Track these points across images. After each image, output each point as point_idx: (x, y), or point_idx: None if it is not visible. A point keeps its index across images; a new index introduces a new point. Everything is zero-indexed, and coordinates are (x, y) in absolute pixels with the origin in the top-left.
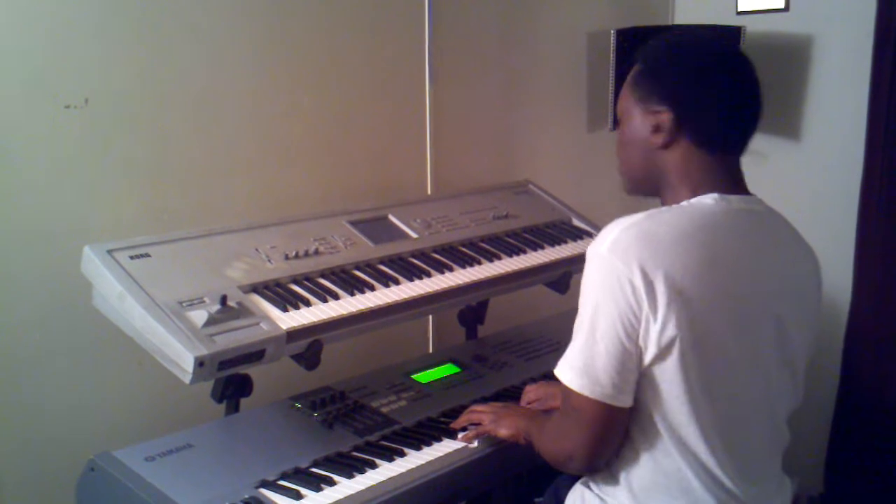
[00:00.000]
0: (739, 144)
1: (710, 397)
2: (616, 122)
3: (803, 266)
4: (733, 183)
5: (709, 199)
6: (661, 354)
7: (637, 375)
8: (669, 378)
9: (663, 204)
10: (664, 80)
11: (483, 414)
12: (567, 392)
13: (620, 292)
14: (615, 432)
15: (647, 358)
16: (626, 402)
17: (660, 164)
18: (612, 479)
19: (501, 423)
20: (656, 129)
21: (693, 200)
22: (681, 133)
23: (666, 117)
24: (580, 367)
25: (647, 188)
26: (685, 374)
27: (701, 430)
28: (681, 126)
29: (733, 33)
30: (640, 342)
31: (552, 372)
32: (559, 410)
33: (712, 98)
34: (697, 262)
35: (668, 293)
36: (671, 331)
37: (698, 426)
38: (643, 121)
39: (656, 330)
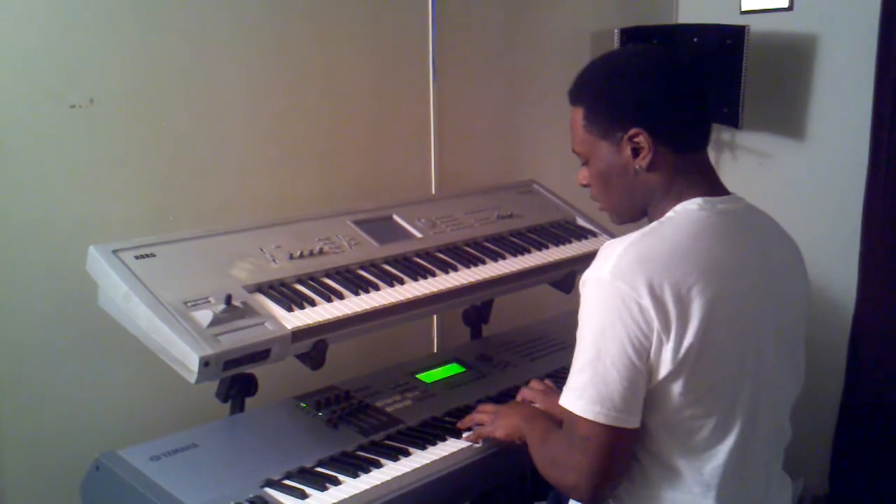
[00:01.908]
0: (707, 137)
1: (716, 403)
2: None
3: (788, 255)
4: (711, 182)
5: (693, 206)
6: (676, 370)
7: (644, 394)
8: (679, 391)
9: (651, 218)
10: (620, 105)
11: (485, 414)
12: (575, 421)
13: (628, 314)
14: (623, 458)
15: (660, 375)
16: (636, 423)
17: (648, 184)
18: (620, 491)
19: (498, 424)
20: (636, 152)
21: (678, 208)
22: (659, 145)
23: (641, 137)
24: (593, 395)
25: (637, 213)
26: (695, 383)
27: (706, 438)
28: (657, 137)
29: (737, 32)
30: (651, 361)
31: (555, 372)
32: (562, 438)
33: (671, 98)
34: (699, 272)
35: (678, 308)
36: (685, 344)
37: (703, 433)
38: (618, 152)
39: (670, 348)
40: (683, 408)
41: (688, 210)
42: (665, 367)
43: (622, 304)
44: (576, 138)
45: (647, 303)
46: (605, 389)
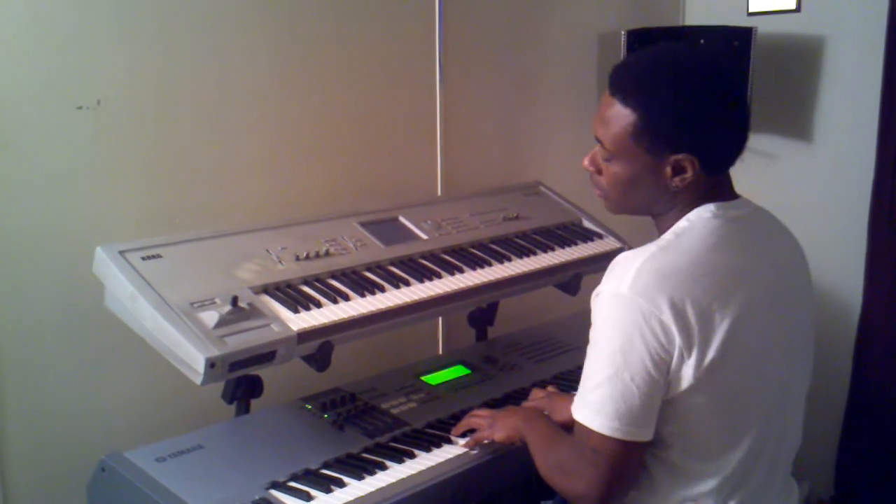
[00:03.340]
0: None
1: (734, 413)
2: (607, 155)
3: (792, 256)
4: (724, 188)
5: (707, 213)
6: (697, 384)
7: (660, 405)
8: (699, 402)
9: (659, 223)
10: (677, 129)
11: (480, 419)
12: (589, 434)
13: (649, 330)
14: (634, 469)
15: (681, 388)
16: (650, 435)
17: (671, 197)
18: (628, 500)
19: (497, 427)
20: (676, 171)
21: (692, 216)
22: (702, 169)
23: (689, 163)
24: (611, 412)
25: (639, 213)
26: (715, 395)
27: (720, 446)
28: (703, 163)
29: (744, 34)
30: (671, 375)
31: (561, 375)
32: (571, 447)
33: (729, 130)
34: (720, 287)
35: (701, 324)
36: (708, 359)
37: (718, 442)
38: (657, 166)
39: (692, 363)
40: (702, 418)
41: (703, 219)
42: (686, 382)
43: (643, 320)
44: (610, 136)
45: (669, 319)
46: (624, 406)
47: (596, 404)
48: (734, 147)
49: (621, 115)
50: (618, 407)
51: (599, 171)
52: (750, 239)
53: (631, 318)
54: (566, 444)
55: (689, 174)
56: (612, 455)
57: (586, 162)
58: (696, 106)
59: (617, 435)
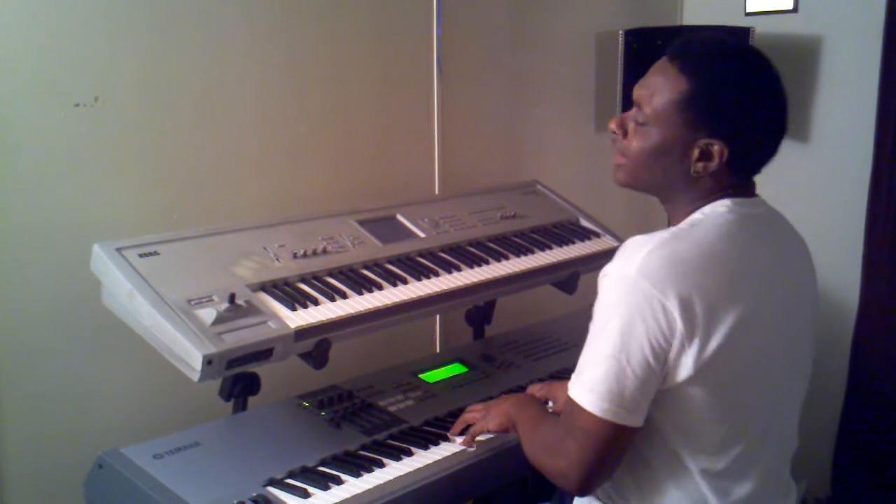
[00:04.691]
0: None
1: (732, 408)
2: (626, 114)
3: (801, 258)
4: (745, 186)
5: (721, 208)
6: (696, 375)
7: (654, 394)
8: (697, 394)
9: (671, 211)
10: (724, 113)
11: (475, 413)
12: (579, 413)
13: (651, 315)
14: (618, 454)
15: (678, 378)
16: (640, 422)
17: (689, 182)
18: (626, 490)
19: (490, 416)
20: (703, 156)
21: (706, 210)
22: (728, 163)
23: (719, 149)
24: (603, 392)
25: (648, 189)
26: (713, 389)
27: (718, 441)
28: (731, 158)
29: (742, 34)
30: (670, 363)
31: (558, 372)
32: (558, 425)
33: (768, 133)
34: (726, 277)
35: (706, 316)
36: (709, 351)
37: (716, 436)
38: (686, 143)
39: (692, 353)
40: (699, 410)
41: (717, 213)
42: (685, 371)
43: (645, 303)
44: (655, 100)
45: (673, 306)
46: (617, 387)
47: (590, 382)
48: (764, 156)
49: (674, 81)
50: (611, 387)
51: (625, 134)
52: (763, 238)
53: (633, 301)
54: (553, 423)
55: (714, 163)
56: (598, 436)
57: (613, 125)
58: (751, 99)
59: (606, 416)
